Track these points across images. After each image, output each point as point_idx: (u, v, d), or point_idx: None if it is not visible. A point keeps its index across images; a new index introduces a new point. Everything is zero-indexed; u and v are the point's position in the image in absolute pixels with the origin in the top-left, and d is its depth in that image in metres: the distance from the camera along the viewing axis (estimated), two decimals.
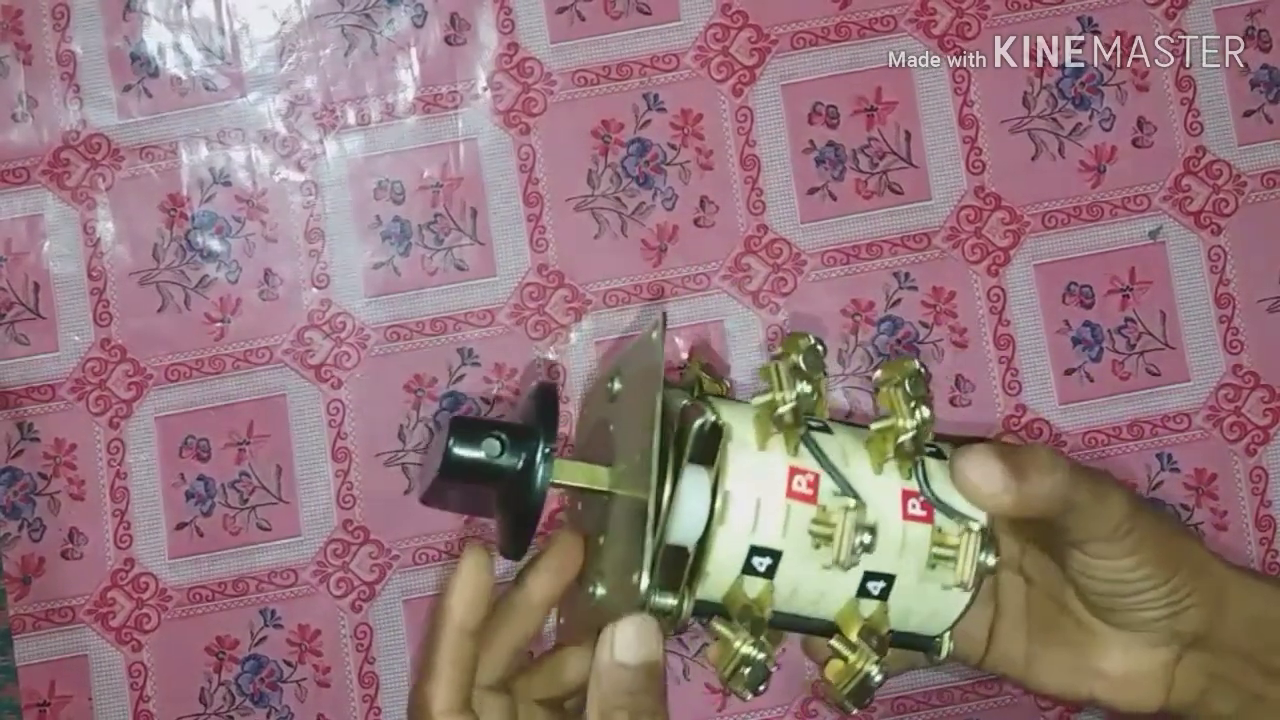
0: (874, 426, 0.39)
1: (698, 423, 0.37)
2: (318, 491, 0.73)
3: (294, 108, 0.74)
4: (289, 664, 0.72)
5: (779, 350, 0.42)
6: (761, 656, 0.36)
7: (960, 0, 0.75)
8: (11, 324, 0.73)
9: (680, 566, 0.36)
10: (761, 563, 0.37)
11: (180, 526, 0.72)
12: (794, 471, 0.37)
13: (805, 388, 0.37)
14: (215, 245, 0.74)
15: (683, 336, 0.73)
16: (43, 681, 0.72)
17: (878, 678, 0.37)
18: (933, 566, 0.38)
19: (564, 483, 0.38)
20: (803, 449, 0.37)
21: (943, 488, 0.39)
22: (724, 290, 0.73)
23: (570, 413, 0.71)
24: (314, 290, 0.74)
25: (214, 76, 0.74)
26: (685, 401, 0.39)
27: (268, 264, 0.74)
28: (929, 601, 0.39)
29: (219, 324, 0.73)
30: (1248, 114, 0.74)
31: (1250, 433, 0.73)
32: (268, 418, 0.73)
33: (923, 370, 0.41)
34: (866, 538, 0.36)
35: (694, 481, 0.36)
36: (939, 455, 0.40)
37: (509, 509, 0.39)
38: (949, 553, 0.38)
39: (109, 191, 0.74)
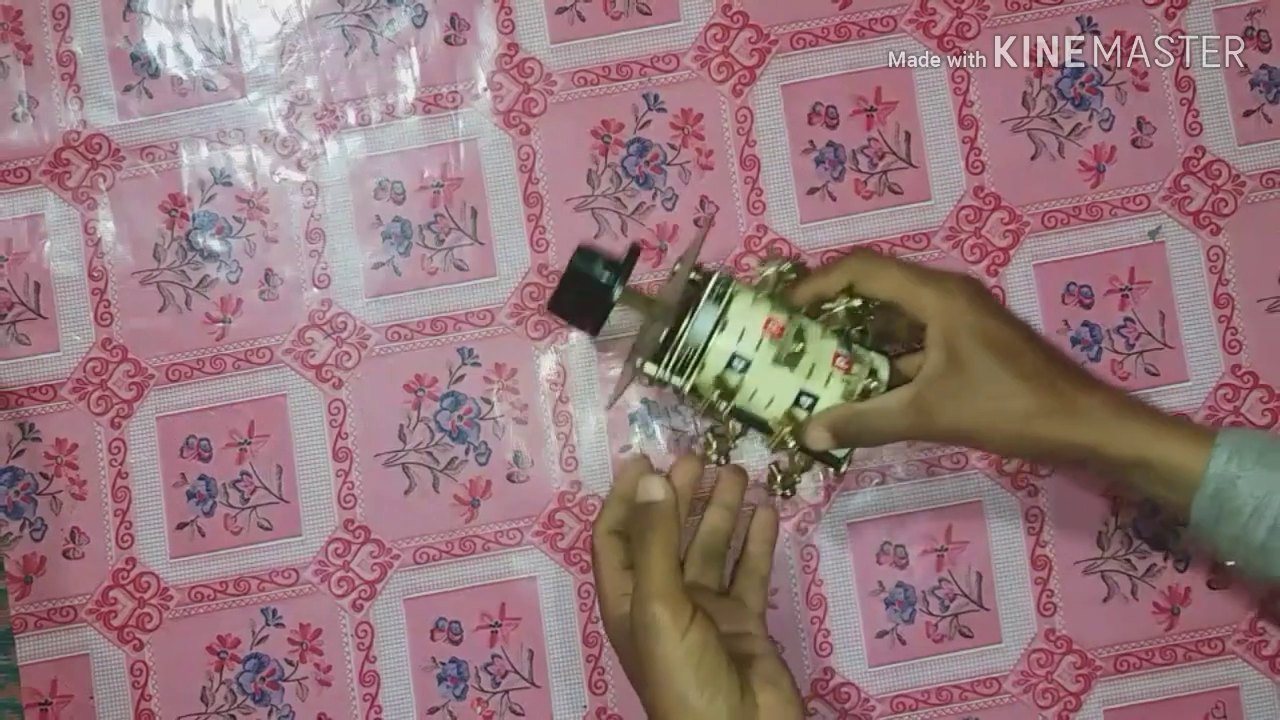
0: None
1: (716, 276, 0.63)
2: (318, 491, 0.73)
3: (294, 108, 0.74)
4: (290, 663, 0.72)
5: (776, 264, 0.66)
6: (723, 406, 0.63)
7: (960, 0, 0.75)
8: (13, 324, 0.73)
9: (689, 361, 0.62)
10: (740, 363, 0.62)
11: (181, 526, 0.73)
12: (769, 319, 0.62)
13: (785, 265, 0.66)
14: (216, 245, 0.74)
15: None
16: (44, 681, 0.72)
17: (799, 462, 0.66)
18: (848, 397, 0.62)
19: (626, 301, 0.64)
20: (780, 309, 0.63)
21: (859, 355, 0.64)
22: None
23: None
24: (314, 290, 0.74)
25: (214, 77, 0.74)
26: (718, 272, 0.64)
27: (268, 264, 0.74)
28: None
29: (220, 324, 0.73)
30: (1247, 114, 0.74)
31: None
32: (268, 418, 0.73)
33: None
34: (798, 347, 0.61)
35: (707, 308, 0.62)
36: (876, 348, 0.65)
37: (590, 309, 0.64)
38: (855, 385, 0.62)
39: (110, 191, 0.74)
